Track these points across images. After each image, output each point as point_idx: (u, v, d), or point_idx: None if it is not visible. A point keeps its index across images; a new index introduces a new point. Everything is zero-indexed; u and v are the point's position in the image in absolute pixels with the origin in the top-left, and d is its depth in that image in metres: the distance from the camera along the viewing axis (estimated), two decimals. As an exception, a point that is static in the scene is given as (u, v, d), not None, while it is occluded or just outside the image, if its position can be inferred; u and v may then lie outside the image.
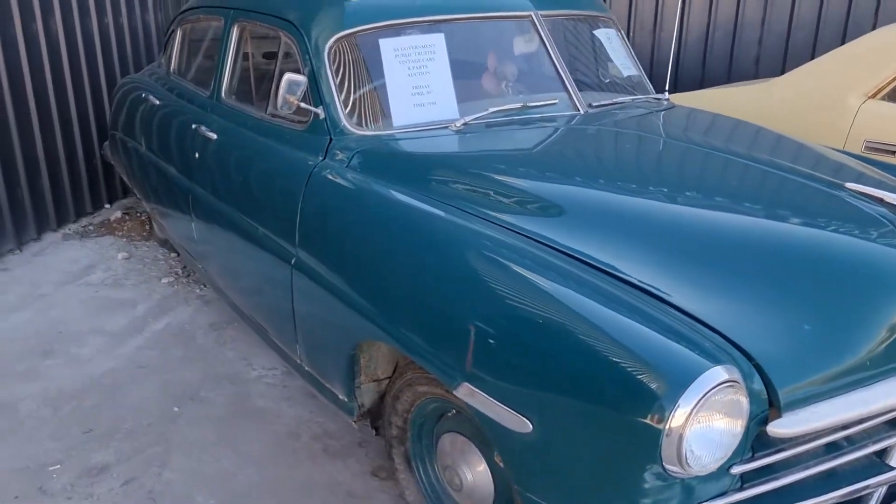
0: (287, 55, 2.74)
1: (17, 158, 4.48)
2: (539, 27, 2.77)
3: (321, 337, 2.39)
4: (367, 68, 2.67)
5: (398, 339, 1.96)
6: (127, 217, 5.14)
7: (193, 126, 3.13)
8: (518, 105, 2.61)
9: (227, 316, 3.74)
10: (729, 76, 5.77)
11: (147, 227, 4.93)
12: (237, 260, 2.92)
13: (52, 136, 4.81)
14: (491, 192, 2.08)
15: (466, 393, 1.74)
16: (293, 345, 2.59)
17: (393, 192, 2.16)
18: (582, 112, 2.67)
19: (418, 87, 2.60)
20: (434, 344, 1.83)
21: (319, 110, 2.53)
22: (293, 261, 2.43)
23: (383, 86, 2.59)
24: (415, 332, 1.90)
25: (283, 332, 2.64)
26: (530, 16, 2.78)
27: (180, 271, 4.30)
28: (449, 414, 2.10)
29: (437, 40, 2.65)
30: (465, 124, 2.50)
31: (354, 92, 2.59)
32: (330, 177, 2.35)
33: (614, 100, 2.85)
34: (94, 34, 5.15)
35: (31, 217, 4.66)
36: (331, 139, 2.50)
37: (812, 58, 5.61)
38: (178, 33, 3.76)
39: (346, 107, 2.54)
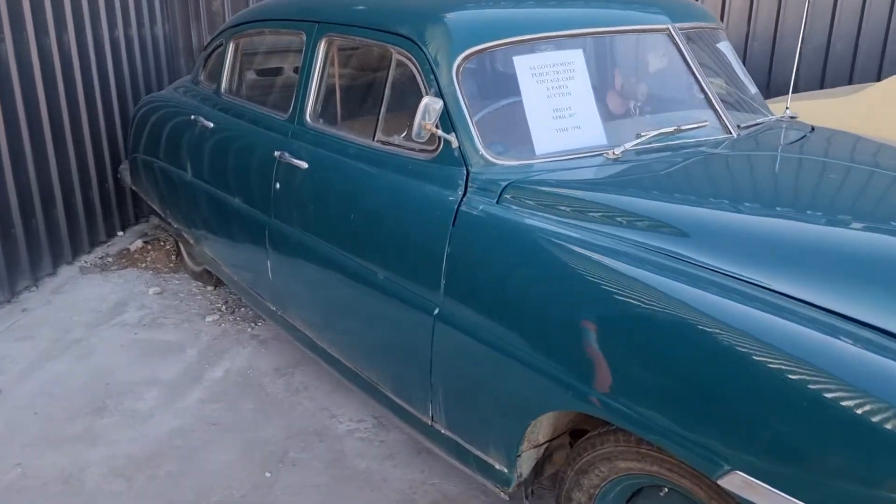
0: (401, 75, 2.43)
1: (32, 185, 4.05)
2: (677, 41, 2.51)
3: (480, 402, 2.08)
4: (500, 89, 2.38)
5: (623, 416, 1.67)
6: (149, 247, 4.72)
7: (276, 153, 2.78)
8: (671, 129, 2.34)
9: (290, 358, 3.39)
10: (768, 89, 5.61)
11: (173, 256, 4.53)
12: (341, 306, 2.59)
13: (67, 159, 4.38)
14: (699, 240, 1.78)
15: (739, 484, 1.46)
16: (424, 405, 2.28)
17: (583, 236, 1.85)
18: (735, 135, 2.41)
19: (559, 110, 2.31)
20: (686, 423, 1.54)
21: (452, 137, 2.22)
22: (435, 312, 2.12)
23: (520, 109, 2.29)
24: (652, 408, 1.61)
25: (411, 391, 2.32)
26: (667, 29, 2.51)
27: (223, 307, 3.93)
28: (661, 493, 1.81)
29: (576, 57, 2.37)
30: (622, 152, 2.22)
31: (487, 116, 2.29)
32: (486, 215, 2.04)
33: (756, 120, 2.60)
34: (105, 47, 4.73)
35: (45, 249, 4.23)
36: (468, 171, 2.20)
37: (852, 69, 5.50)
38: (230, 48, 3.40)
39: (480, 133, 2.24)
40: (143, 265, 4.48)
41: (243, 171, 3.05)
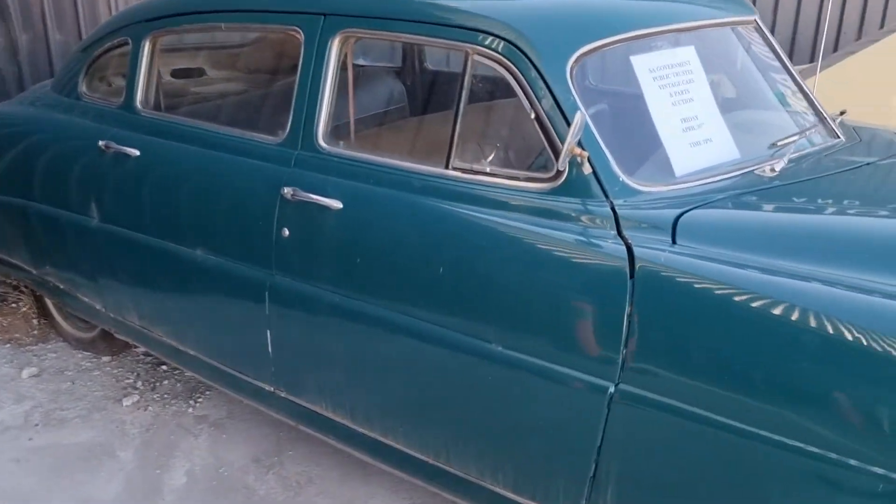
0: (486, 83, 1.88)
1: None
2: (765, 34, 2.21)
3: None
4: (617, 98, 1.92)
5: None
6: (-8, 310, 3.59)
7: (285, 191, 2.07)
8: (796, 136, 2.04)
9: (267, 442, 2.67)
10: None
11: (36, 321, 3.48)
12: (423, 385, 1.98)
13: None
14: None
15: None
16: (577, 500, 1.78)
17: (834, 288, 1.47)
18: (844, 139, 2.17)
19: (687, 120, 1.91)
20: None
21: (585, 160, 1.73)
22: (611, 390, 1.64)
23: (647, 121, 1.86)
24: None
25: (555, 488, 1.81)
26: (754, 21, 2.20)
27: (138, 383, 3.04)
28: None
29: (691, 55, 1.98)
30: (781, 168, 1.87)
31: (612, 132, 1.83)
32: (680, 264, 1.58)
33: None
34: None
35: None
36: (611, 203, 1.73)
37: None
38: (146, 49, 2.54)
39: (612, 153, 1.77)
40: (-7, 337, 3.39)
41: (213, 213, 2.29)
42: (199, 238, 2.33)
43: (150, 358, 3.19)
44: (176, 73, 2.68)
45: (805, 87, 2.20)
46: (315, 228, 2.06)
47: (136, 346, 3.17)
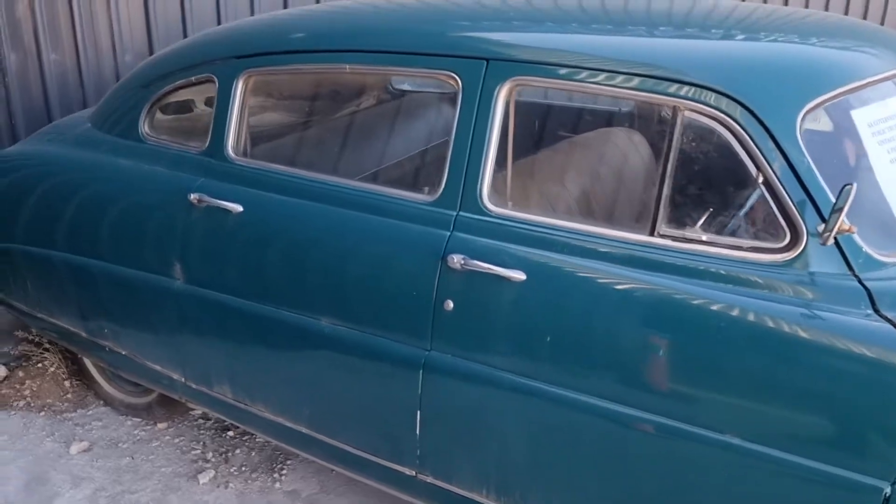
0: (699, 141, 1.70)
1: None
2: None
3: None
4: (840, 157, 1.76)
5: None
6: (20, 373, 3.17)
7: (454, 259, 1.83)
8: None
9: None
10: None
11: (68, 382, 3.10)
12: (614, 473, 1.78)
13: None
14: None
15: None
16: None
17: None
18: None
19: (905, 179, 1.77)
20: None
21: (824, 229, 1.57)
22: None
23: (873, 181, 1.72)
24: None
25: None
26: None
27: (209, 454, 2.73)
28: None
29: (897, 105, 1.84)
30: None
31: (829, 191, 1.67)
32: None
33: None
34: None
35: None
36: (857, 277, 1.57)
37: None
38: (238, 90, 2.23)
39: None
40: (22, 404, 2.99)
41: (348, 280, 2.02)
42: (326, 306, 2.06)
43: (211, 422, 2.88)
44: (277, 116, 2.39)
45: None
46: (490, 302, 1.83)
47: (192, 409, 2.86)
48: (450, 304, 1.87)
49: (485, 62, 1.86)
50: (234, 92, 2.25)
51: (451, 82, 1.91)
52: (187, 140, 2.41)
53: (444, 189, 1.91)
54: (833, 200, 1.59)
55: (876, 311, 1.54)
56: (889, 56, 1.89)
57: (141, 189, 2.40)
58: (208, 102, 2.37)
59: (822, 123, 1.70)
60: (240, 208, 2.17)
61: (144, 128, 2.50)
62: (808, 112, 1.65)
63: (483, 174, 1.86)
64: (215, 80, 2.29)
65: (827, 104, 1.69)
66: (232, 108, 2.25)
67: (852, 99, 1.73)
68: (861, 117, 1.74)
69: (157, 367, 2.52)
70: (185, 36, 4.35)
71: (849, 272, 1.58)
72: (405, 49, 1.97)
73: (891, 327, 1.50)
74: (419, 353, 1.93)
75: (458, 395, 1.92)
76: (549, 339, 1.77)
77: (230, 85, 2.25)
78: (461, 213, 1.89)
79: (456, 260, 1.83)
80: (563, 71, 1.79)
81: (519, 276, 1.78)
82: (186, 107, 2.54)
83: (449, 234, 1.88)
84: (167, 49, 2.62)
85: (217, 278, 2.25)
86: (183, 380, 2.46)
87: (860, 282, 1.57)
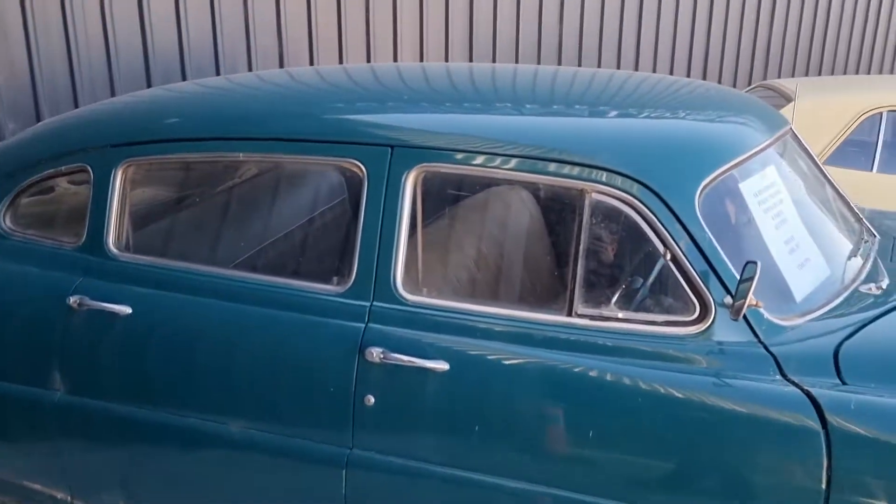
0: (605, 222, 1.74)
1: None
2: (800, 138, 2.28)
3: None
4: (731, 227, 1.86)
5: None
6: None
7: (370, 352, 1.76)
8: (871, 239, 2.11)
9: None
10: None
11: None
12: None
13: None
14: None
15: None
16: None
17: None
18: (878, 236, 2.28)
19: (788, 242, 1.91)
20: None
21: (733, 306, 1.65)
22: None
23: (761, 247, 1.83)
24: None
25: None
26: (790, 129, 2.26)
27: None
28: None
29: (774, 175, 1.98)
30: (884, 287, 1.91)
31: (736, 264, 1.77)
32: (879, 412, 1.54)
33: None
34: None
35: None
36: (763, 343, 1.67)
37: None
38: (117, 182, 2.07)
39: (746, 289, 1.71)
40: None
41: (254, 380, 1.90)
42: (235, 409, 1.94)
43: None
44: (163, 205, 2.22)
45: (839, 188, 2.30)
46: (413, 394, 1.78)
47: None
48: (371, 399, 1.81)
49: (390, 149, 1.84)
50: (112, 183, 2.09)
51: (356, 170, 1.86)
52: (59, 234, 2.21)
53: (355, 279, 1.85)
54: (734, 272, 1.68)
55: (783, 375, 1.62)
56: (762, 127, 2.03)
57: (8, 293, 2.16)
58: (75, 183, 2.19)
59: (715, 197, 1.79)
60: (128, 310, 2.01)
61: (7, 222, 2.27)
62: (704, 188, 1.74)
63: (395, 262, 1.82)
64: (90, 170, 2.12)
65: (719, 179, 1.79)
66: (111, 200, 2.09)
67: (739, 172, 1.84)
68: (748, 188, 1.85)
69: (37, 487, 2.27)
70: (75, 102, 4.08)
71: (755, 340, 1.67)
72: (303, 136, 1.91)
73: (798, 391, 1.59)
74: (341, 452, 1.85)
75: (386, 491, 1.85)
76: (476, 427, 1.74)
77: (108, 175, 2.09)
78: (375, 303, 1.84)
79: (375, 353, 1.78)
80: (472, 158, 1.79)
81: (442, 366, 1.75)
82: (54, 195, 2.34)
83: (364, 326, 1.83)
84: (30, 132, 2.41)
85: (105, 386, 2.06)
86: (69, 499, 2.23)
87: (766, 349, 1.66)
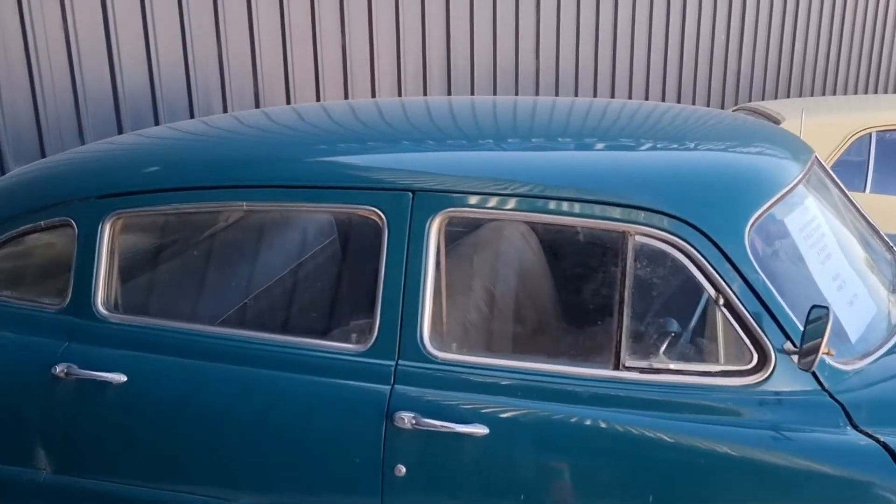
0: (653, 266, 1.61)
1: None
2: (823, 164, 2.19)
3: None
4: (781, 265, 1.74)
5: None
6: None
7: (401, 417, 1.59)
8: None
9: None
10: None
11: None
12: None
13: None
14: None
15: None
16: None
17: None
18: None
19: (836, 278, 1.80)
20: None
21: (790, 346, 1.53)
22: None
23: (813, 286, 1.71)
24: None
25: None
26: (815, 156, 2.17)
27: None
28: None
29: (813, 205, 1.88)
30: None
31: (797, 307, 1.65)
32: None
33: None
34: None
35: None
36: (828, 392, 1.55)
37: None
38: (105, 236, 1.89)
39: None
40: None
41: (276, 453, 1.72)
42: (247, 484, 1.75)
43: None
44: (157, 260, 2.04)
45: (866, 214, 2.21)
46: (449, 462, 1.62)
47: None
48: (402, 469, 1.64)
49: (411, 194, 1.69)
50: (100, 238, 1.90)
51: (374, 217, 1.71)
52: (40, 295, 2.01)
53: (377, 336, 1.69)
54: (791, 316, 1.56)
55: (854, 426, 1.50)
56: (795, 157, 1.93)
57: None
58: (57, 238, 2.00)
59: (763, 235, 1.68)
60: (122, 378, 1.82)
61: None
62: (752, 225, 1.62)
63: (422, 316, 1.67)
64: (74, 224, 1.94)
65: (765, 215, 1.68)
66: (99, 257, 1.90)
67: (783, 206, 1.74)
68: (793, 223, 1.75)
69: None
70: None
71: (819, 388, 1.55)
72: (312, 182, 1.75)
73: (873, 443, 1.47)
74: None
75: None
76: (522, 496, 1.59)
77: (94, 229, 1.91)
78: (401, 361, 1.68)
79: (406, 419, 1.61)
80: (504, 202, 1.65)
81: (481, 430, 1.59)
82: (32, 252, 2.14)
83: (390, 388, 1.66)
84: (1, 183, 2.21)
85: (99, 464, 1.86)
86: (56, 588, 2.00)
87: (832, 397, 1.54)
